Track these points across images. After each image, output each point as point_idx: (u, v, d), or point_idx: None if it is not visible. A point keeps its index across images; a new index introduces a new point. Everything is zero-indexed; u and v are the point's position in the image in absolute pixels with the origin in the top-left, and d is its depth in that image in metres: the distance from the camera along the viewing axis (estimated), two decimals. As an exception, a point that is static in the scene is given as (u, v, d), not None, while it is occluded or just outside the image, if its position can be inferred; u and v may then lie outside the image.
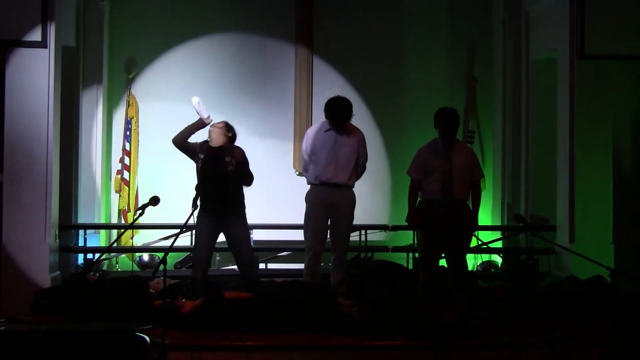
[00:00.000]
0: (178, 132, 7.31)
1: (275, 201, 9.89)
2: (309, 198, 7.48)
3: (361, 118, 10.01)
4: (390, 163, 10.09)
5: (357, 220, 7.72)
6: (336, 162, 7.33)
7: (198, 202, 6.81)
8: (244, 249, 7.37)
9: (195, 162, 7.26)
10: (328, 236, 7.53)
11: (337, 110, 7.32)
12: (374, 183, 10.13)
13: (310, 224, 7.44)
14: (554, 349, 6.05)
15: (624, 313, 6.76)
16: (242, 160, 7.21)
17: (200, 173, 7.22)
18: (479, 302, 7.05)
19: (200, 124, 7.34)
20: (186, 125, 7.33)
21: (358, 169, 7.51)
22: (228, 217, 7.22)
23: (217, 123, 7.31)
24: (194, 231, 7.63)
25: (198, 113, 7.36)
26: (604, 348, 5.98)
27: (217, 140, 7.20)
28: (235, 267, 7.78)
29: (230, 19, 10.23)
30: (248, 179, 7.27)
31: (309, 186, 7.56)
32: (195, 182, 7.10)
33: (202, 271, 7.29)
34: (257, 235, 9.47)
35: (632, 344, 5.99)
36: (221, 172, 7.15)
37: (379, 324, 6.32)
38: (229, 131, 7.27)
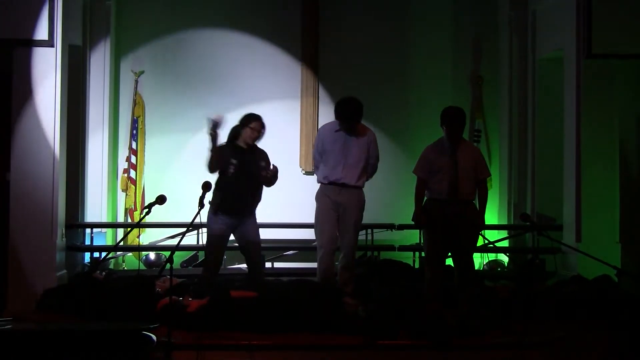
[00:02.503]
0: (210, 163, 7.12)
1: (282, 200, 9.87)
2: (318, 197, 7.49)
3: (367, 116, 10.01)
4: (397, 162, 10.07)
5: (363, 219, 7.71)
6: (345, 163, 7.33)
7: (205, 201, 6.80)
8: (256, 247, 7.39)
9: (224, 167, 7.21)
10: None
11: (347, 112, 7.33)
12: (380, 182, 10.09)
13: (320, 224, 7.44)
14: (557, 348, 6.05)
15: (630, 313, 6.75)
16: (269, 165, 7.28)
17: (229, 175, 7.19)
18: (483, 301, 7.06)
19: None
20: (211, 153, 7.12)
21: (368, 170, 7.50)
22: (244, 217, 7.24)
23: (254, 123, 7.28)
24: (204, 230, 7.62)
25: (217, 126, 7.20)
26: (608, 348, 5.98)
27: (252, 139, 7.25)
28: (241, 265, 7.78)
29: (238, 21, 10.23)
30: (273, 182, 7.31)
31: (318, 185, 7.56)
32: (201, 180, 7.08)
33: (214, 272, 7.30)
34: (263, 234, 9.44)
35: (636, 344, 5.98)
36: (253, 175, 7.19)
37: (383, 324, 6.33)
38: (263, 128, 7.34)
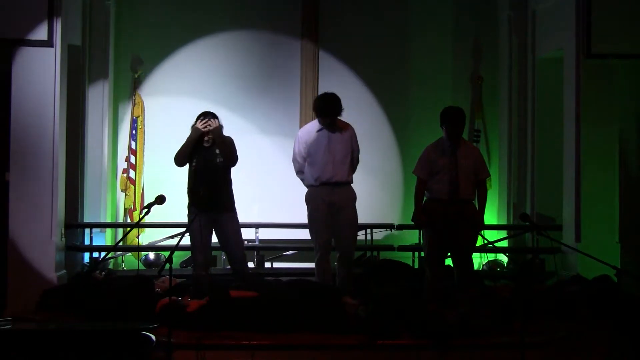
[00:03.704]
0: (178, 154, 7.24)
1: (281, 199, 9.89)
2: (310, 200, 7.43)
3: (367, 117, 10.06)
4: (397, 162, 10.09)
5: (363, 219, 7.70)
6: (333, 161, 7.29)
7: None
8: (236, 245, 7.36)
9: (186, 163, 7.28)
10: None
11: (328, 108, 7.28)
12: (380, 182, 10.13)
13: (315, 226, 7.40)
14: (558, 348, 6.05)
15: (630, 312, 6.75)
16: (230, 149, 7.23)
17: (194, 172, 7.23)
18: (483, 301, 7.05)
19: (196, 138, 7.24)
20: (183, 143, 7.24)
21: (353, 163, 7.47)
22: (220, 213, 7.23)
23: (208, 120, 7.23)
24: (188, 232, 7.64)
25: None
26: (608, 347, 5.98)
27: (216, 137, 7.21)
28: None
29: (236, 15, 10.24)
30: (232, 158, 7.24)
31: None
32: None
33: (204, 269, 7.29)
34: (262, 234, 9.48)
35: (637, 344, 5.98)
36: (213, 167, 7.18)
37: (383, 324, 6.32)
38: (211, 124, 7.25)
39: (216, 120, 7.26)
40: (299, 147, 7.46)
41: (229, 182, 7.32)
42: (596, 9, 8.53)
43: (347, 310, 6.79)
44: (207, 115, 7.27)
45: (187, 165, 7.30)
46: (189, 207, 7.25)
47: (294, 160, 7.55)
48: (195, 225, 7.10)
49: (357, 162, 7.55)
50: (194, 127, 7.24)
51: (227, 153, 7.21)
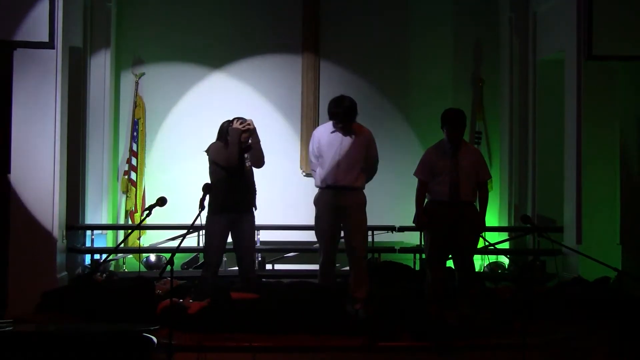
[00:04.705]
0: (229, 159, 7.10)
1: (282, 202, 9.90)
2: (317, 202, 7.27)
3: (368, 118, 10.00)
4: (397, 164, 10.07)
5: (363, 221, 7.69)
6: (342, 165, 7.07)
7: (205, 203, 6.78)
8: (249, 248, 7.36)
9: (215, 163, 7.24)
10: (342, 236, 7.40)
11: (340, 111, 7.05)
12: (381, 184, 10.09)
13: (320, 229, 7.24)
14: (558, 350, 6.05)
15: (630, 314, 6.74)
16: (262, 151, 7.24)
17: (220, 171, 7.20)
18: (484, 303, 7.06)
19: (239, 138, 7.15)
20: (229, 148, 7.13)
21: (369, 170, 7.26)
22: (241, 213, 7.23)
23: (245, 123, 7.21)
24: (203, 232, 7.62)
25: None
26: (609, 349, 5.98)
27: (253, 137, 7.23)
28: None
29: (238, 20, 10.24)
30: (262, 160, 7.26)
31: (316, 188, 7.46)
32: (202, 182, 7.09)
33: (213, 272, 7.29)
34: (264, 236, 9.48)
35: (637, 346, 5.98)
36: (241, 170, 7.18)
37: (384, 325, 6.33)
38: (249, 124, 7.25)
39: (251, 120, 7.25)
40: (312, 145, 7.28)
41: (253, 185, 7.33)
42: (597, 11, 8.52)
43: (348, 312, 6.78)
44: (240, 118, 7.24)
45: (212, 167, 7.26)
46: (211, 207, 7.19)
47: (309, 158, 7.42)
48: (216, 227, 7.11)
49: (374, 170, 7.33)
50: (232, 129, 7.15)
51: (260, 155, 7.22)
